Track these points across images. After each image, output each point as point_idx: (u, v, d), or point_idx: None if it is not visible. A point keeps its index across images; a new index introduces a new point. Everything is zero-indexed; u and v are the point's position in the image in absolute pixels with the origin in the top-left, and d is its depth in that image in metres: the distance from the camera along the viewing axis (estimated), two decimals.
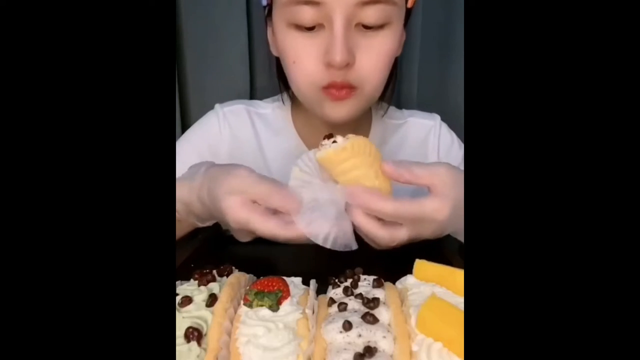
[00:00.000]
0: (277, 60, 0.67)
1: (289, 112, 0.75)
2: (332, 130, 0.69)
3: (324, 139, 0.49)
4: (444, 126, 0.81)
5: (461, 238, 0.53)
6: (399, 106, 0.88)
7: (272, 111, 0.76)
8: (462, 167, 0.78)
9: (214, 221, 0.55)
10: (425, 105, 0.92)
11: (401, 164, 0.48)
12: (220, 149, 0.73)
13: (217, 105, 0.77)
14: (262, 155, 0.74)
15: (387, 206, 0.46)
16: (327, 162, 0.48)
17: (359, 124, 0.74)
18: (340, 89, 0.57)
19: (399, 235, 0.48)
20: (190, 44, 0.90)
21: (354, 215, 0.47)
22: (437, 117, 0.81)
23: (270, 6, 0.61)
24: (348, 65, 0.55)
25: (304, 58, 0.57)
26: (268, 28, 0.66)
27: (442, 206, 0.47)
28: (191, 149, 0.71)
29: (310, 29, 0.56)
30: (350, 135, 0.48)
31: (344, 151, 0.46)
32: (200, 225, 0.56)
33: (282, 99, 0.76)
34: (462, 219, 0.49)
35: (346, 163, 0.47)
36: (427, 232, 0.49)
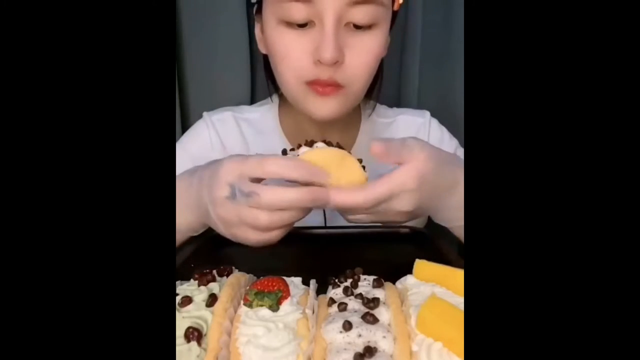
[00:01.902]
0: (266, 58, 0.67)
1: (276, 114, 0.76)
2: (320, 130, 0.70)
3: (299, 147, 0.48)
4: (434, 122, 0.80)
5: (436, 218, 0.53)
6: (400, 106, 0.88)
7: (259, 115, 0.77)
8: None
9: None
10: (425, 105, 0.92)
11: (390, 145, 0.47)
12: (212, 156, 0.73)
13: (205, 114, 0.77)
14: None
15: (358, 198, 0.45)
16: None
17: (348, 124, 0.74)
18: (325, 86, 0.57)
19: (367, 219, 0.48)
20: (190, 44, 0.90)
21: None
22: (427, 114, 0.81)
23: (260, 3, 0.61)
24: (337, 63, 0.55)
25: (293, 53, 0.57)
26: (257, 25, 0.66)
27: (410, 175, 0.46)
28: (186, 156, 0.71)
29: (301, 26, 0.56)
30: (317, 148, 0.47)
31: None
32: (194, 234, 0.56)
33: (271, 99, 0.76)
34: (437, 198, 0.48)
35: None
36: (400, 205, 0.47)
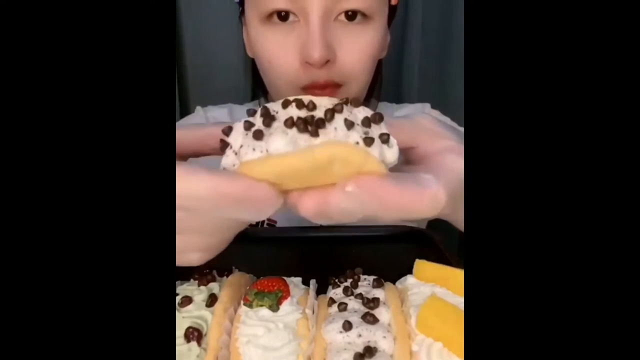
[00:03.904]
0: (254, 61, 0.63)
1: None
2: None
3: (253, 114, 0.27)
4: (433, 114, 0.77)
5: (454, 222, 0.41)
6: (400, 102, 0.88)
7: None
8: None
9: None
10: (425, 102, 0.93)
11: (399, 126, 0.35)
12: None
13: (199, 108, 0.74)
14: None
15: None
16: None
17: None
18: (323, 88, 0.52)
19: None
20: (190, 44, 0.90)
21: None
22: (427, 106, 0.79)
23: (242, 3, 0.57)
24: (328, 62, 0.49)
25: (280, 57, 0.52)
26: (243, 28, 0.62)
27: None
28: None
29: (284, 19, 0.50)
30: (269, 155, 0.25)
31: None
32: None
33: (259, 103, 0.74)
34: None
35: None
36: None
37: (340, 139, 0.24)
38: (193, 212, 0.28)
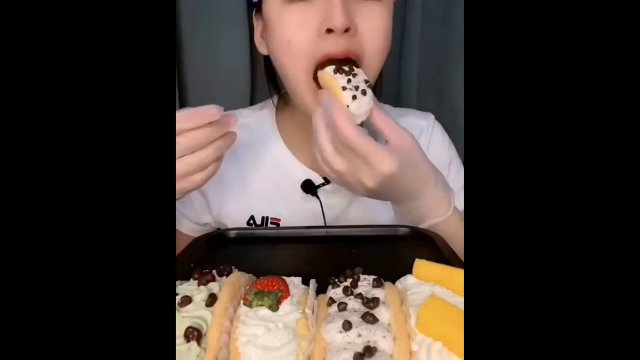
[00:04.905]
0: (267, 61, 0.66)
1: (274, 119, 0.74)
2: None
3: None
4: (437, 127, 0.79)
5: (397, 216, 0.59)
6: (400, 106, 0.88)
7: (256, 120, 0.74)
8: (448, 171, 0.76)
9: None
10: (425, 105, 0.92)
11: (387, 121, 0.53)
12: None
13: None
14: (242, 167, 0.72)
15: (351, 131, 0.48)
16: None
17: None
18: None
19: (337, 162, 0.51)
20: (191, 44, 0.90)
21: (319, 127, 0.52)
22: (431, 117, 0.80)
23: (260, 2, 0.60)
24: (349, 31, 0.53)
25: (301, 31, 0.55)
26: (256, 29, 0.65)
27: (392, 162, 0.49)
28: None
29: None
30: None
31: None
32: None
33: (273, 102, 0.75)
34: (399, 192, 0.54)
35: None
36: (365, 178, 0.51)
37: (341, 82, 0.52)
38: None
